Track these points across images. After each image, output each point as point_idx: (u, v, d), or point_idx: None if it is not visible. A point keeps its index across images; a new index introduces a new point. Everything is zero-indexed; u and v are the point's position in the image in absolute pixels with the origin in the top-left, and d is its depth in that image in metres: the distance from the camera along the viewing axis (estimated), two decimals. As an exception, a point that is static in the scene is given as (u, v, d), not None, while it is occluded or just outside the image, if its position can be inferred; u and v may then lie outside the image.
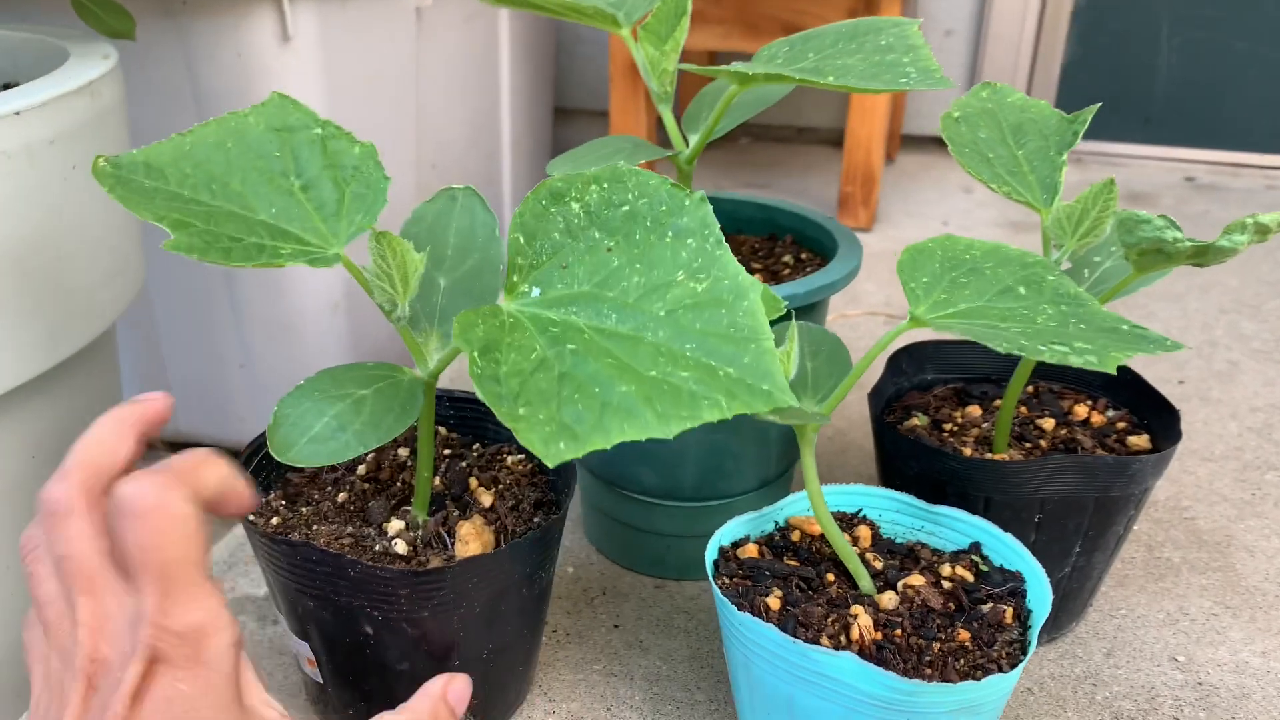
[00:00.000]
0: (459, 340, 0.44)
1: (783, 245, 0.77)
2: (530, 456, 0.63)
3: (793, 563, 0.57)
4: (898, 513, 0.61)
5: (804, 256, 0.75)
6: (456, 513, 0.57)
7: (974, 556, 0.57)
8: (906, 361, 0.73)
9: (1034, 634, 0.51)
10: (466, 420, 0.66)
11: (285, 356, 1.18)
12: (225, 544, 0.81)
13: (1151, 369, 1.05)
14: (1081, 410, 0.70)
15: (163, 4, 1.01)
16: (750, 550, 0.57)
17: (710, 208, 0.46)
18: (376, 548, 0.54)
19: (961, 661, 0.50)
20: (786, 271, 0.73)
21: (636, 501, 0.71)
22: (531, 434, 0.41)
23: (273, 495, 0.59)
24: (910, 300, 0.51)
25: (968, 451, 0.65)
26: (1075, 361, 0.45)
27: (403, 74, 1.21)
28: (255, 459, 0.59)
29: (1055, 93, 1.76)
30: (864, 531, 0.59)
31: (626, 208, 0.47)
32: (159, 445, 1.37)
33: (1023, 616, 0.53)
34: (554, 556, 0.58)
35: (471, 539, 0.54)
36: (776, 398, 0.42)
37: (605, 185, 0.47)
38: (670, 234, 0.46)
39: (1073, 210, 0.58)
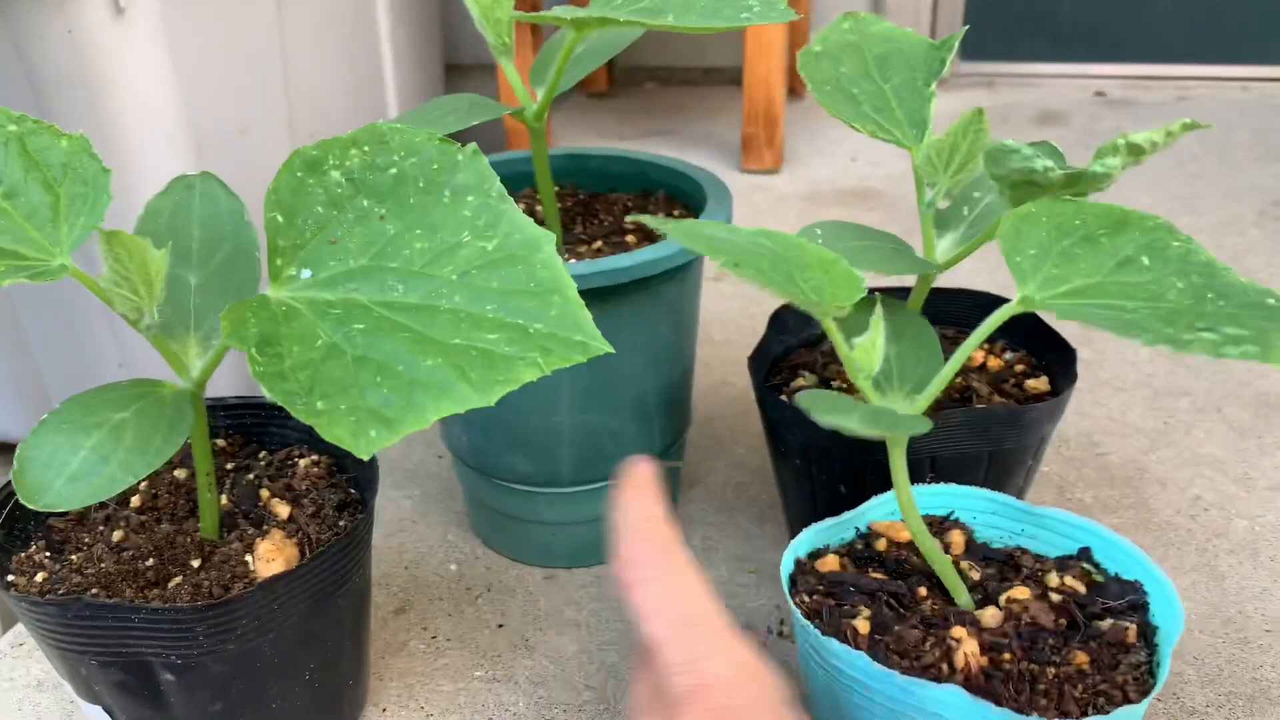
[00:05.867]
0: (231, 339, 0.40)
1: (655, 202, 0.71)
2: (326, 455, 0.58)
3: (879, 575, 0.50)
4: (994, 514, 0.54)
5: (678, 213, 0.69)
6: (252, 530, 0.52)
7: (1084, 564, 0.50)
8: (792, 318, 0.69)
9: (1165, 655, 0.44)
10: (246, 427, 0.61)
11: (165, 353, 1.11)
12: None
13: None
14: (978, 355, 0.67)
15: (-21, -19, 0.92)
16: (831, 562, 0.50)
17: (486, 161, 0.43)
18: (170, 585, 0.49)
19: (1080, 689, 0.43)
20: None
21: (515, 491, 0.66)
22: (336, 427, 0.38)
23: (33, 547, 0.53)
24: (1016, 277, 0.44)
25: (856, 411, 0.61)
26: (1232, 353, 0.39)
27: (265, 40, 1.13)
28: (5, 509, 0.53)
29: (962, 15, 1.71)
30: (956, 537, 0.53)
31: (394, 170, 0.43)
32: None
33: (1148, 634, 0.47)
34: (366, 558, 0.54)
35: (273, 556, 0.49)
36: (591, 347, 0.40)
37: (366, 148, 0.43)
38: (447, 193, 0.43)
39: (942, 146, 0.54)
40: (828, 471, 0.60)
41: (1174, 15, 1.67)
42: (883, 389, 0.51)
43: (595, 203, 0.73)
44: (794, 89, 1.68)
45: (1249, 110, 1.56)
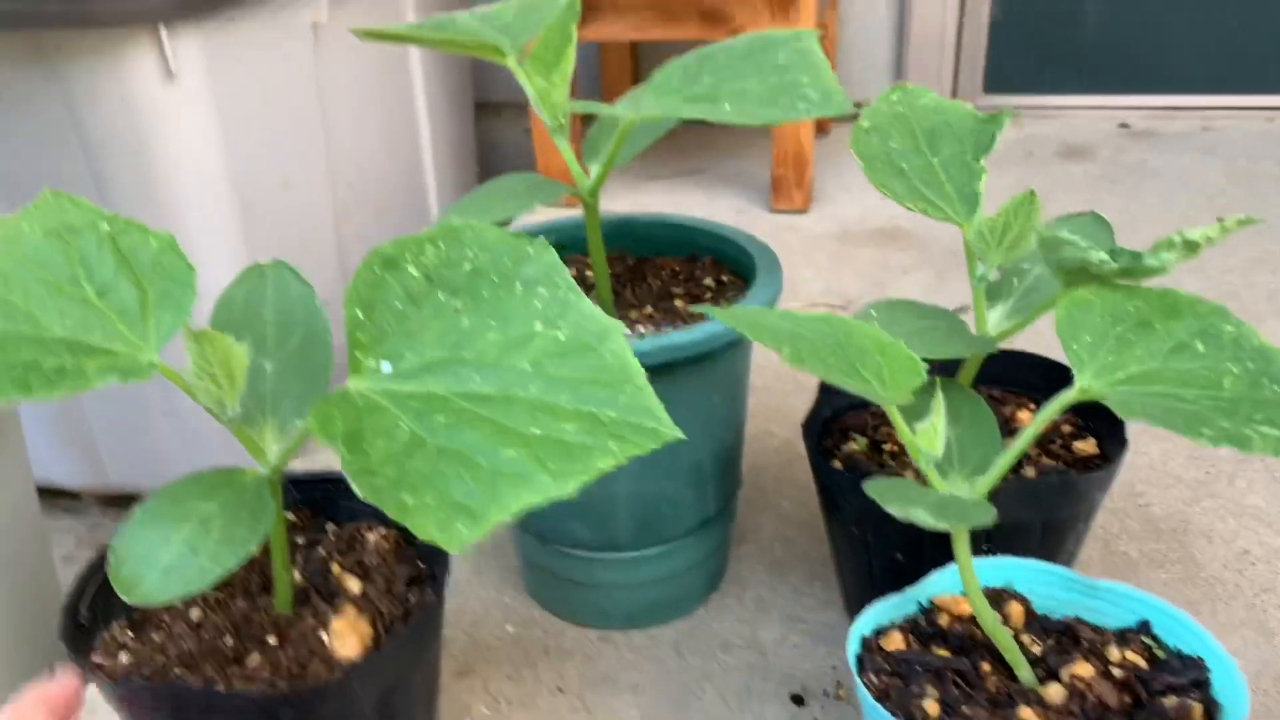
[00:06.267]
0: (321, 436, 0.41)
1: (703, 267, 0.73)
2: (394, 529, 0.59)
3: (943, 652, 0.51)
4: (1050, 586, 0.55)
5: (725, 279, 0.71)
6: (325, 605, 0.54)
7: (1144, 638, 0.51)
8: (841, 380, 0.70)
9: None
10: (314, 501, 0.62)
11: (211, 401, 1.13)
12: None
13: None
14: (1024, 416, 0.68)
15: (35, 49, 0.95)
16: (895, 640, 0.51)
17: (555, 253, 0.44)
18: (249, 663, 0.50)
19: None
20: (709, 296, 0.69)
21: (572, 556, 0.68)
22: (425, 521, 0.39)
23: (116, 626, 0.54)
24: (1074, 364, 0.46)
25: (908, 477, 0.62)
26: None
27: (304, 94, 1.15)
28: (89, 587, 0.54)
29: (986, 48, 1.73)
30: (1015, 609, 0.53)
31: (468, 265, 0.44)
32: (91, 501, 1.32)
33: (1212, 712, 0.47)
34: (439, 634, 0.55)
35: (347, 633, 0.51)
36: (663, 433, 0.41)
37: (441, 245, 0.45)
38: (519, 285, 0.44)
39: (995, 224, 0.55)
40: (884, 539, 0.61)
41: (1197, 45, 1.68)
42: (944, 471, 0.52)
43: (643, 267, 0.74)
44: (821, 127, 1.69)
45: (1274, 140, 1.56)
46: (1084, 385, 0.45)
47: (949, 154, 0.60)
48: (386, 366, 0.45)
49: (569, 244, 0.75)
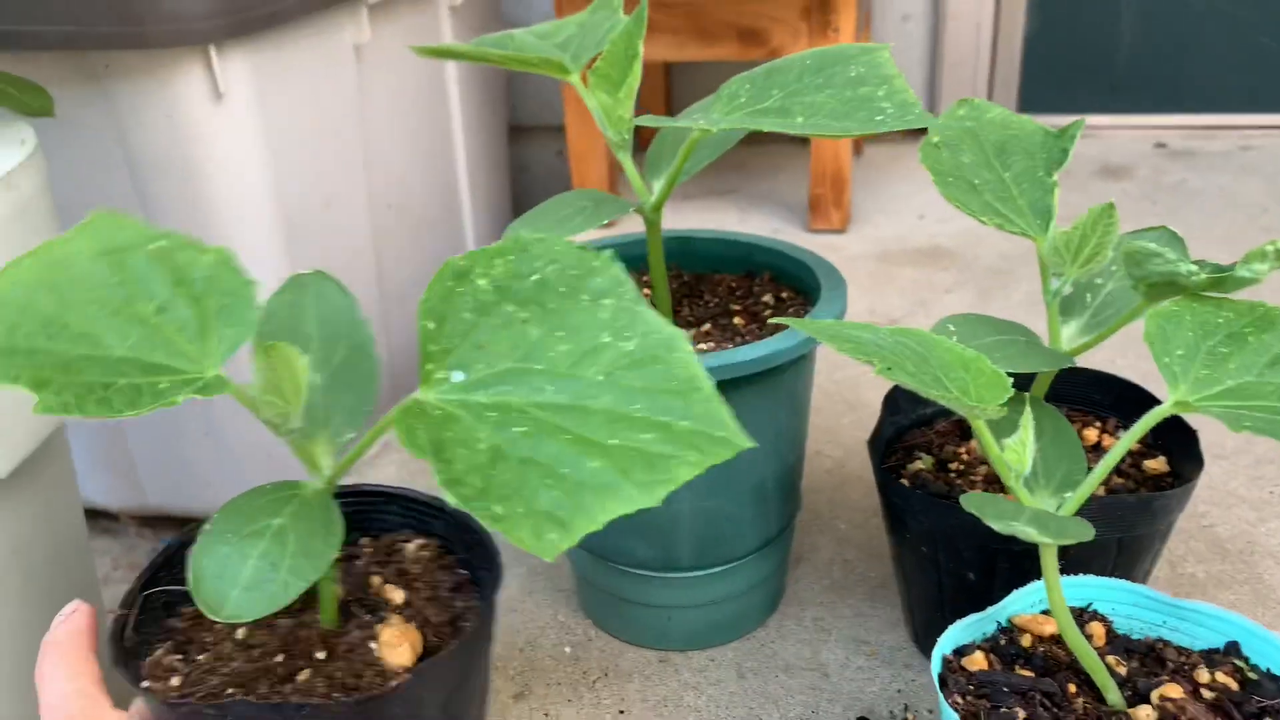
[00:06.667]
0: (411, 448, 0.41)
1: (761, 283, 0.72)
2: (433, 539, 0.59)
3: (1027, 673, 0.50)
4: (1134, 606, 0.53)
5: (784, 295, 0.70)
6: (369, 617, 0.53)
7: (1234, 659, 0.50)
8: (903, 397, 0.69)
9: None
10: (347, 515, 0.62)
11: (249, 421, 1.12)
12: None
13: (1147, 359, 1.01)
14: (1091, 434, 0.66)
15: (83, 69, 0.96)
16: (978, 660, 0.50)
17: (621, 265, 0.44)
18: (301, 679, 0.50)
19: None
20: (768, 313, 0.69)
21: (632, 575, 0.67)
22: (519, 529, 0.39)
23: (160, 650, 0.52)
24: (1167, 379, 0.46)
25: (978, 496, 0.61)
26: None
27: (347, 115, 1.16)
28: (132, 612, 0.53)
29: (1019, 68, 1.72)
30: (1097, 629, 0.52)
31: (536, 276, 0.44)
32: (128, 522, 1.32)
33: None
34: (491, 636, 0.55)
35: (398, 642, 0.50)
36: (735, 442, 0.40)
37: (511, 257, 0.44)
38: (586, 297, 0.44)
39: (1071, 238, 0.54)
40: (955, 559, 0.60)
41: (1233, 64, 1.67)
42: (1030, 488, 0.51)
43: (700, 284, 0.74)
44: (857, 146, 1.69)
45: (1314, 159, 1.55)
46: (1179, 399, 0.44)
47: (1020, 169, 0.59)
48: (458, 375, 0.44)
49: (625, 261, 0.75)
